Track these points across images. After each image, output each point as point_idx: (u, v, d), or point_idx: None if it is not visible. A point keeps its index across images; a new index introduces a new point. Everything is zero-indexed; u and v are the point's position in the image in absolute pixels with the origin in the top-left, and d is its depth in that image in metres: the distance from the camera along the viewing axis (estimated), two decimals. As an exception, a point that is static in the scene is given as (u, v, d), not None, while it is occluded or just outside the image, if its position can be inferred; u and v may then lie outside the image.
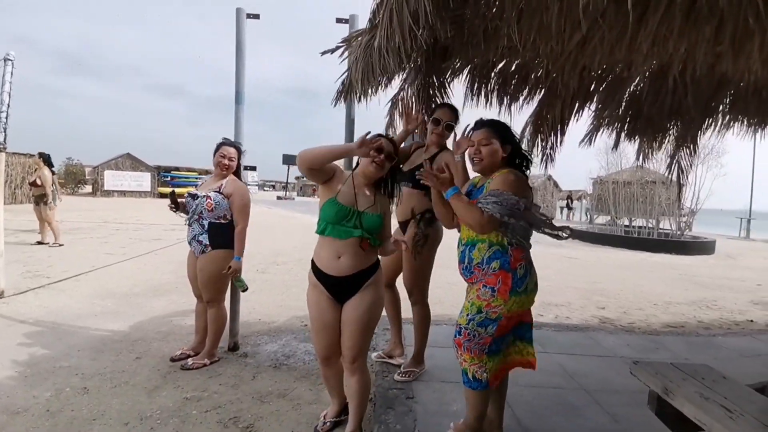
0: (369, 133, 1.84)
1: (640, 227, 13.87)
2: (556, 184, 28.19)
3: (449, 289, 4.98)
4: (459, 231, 2.07)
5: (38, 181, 7.70)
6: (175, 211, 2.99)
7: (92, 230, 10.25)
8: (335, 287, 1.97)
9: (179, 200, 2.98)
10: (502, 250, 1.83)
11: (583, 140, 4.08)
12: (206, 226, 2.87)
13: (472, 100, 3.58)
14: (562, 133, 3.76)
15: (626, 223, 14.26)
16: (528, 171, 2.02)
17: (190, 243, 2.94)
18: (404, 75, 3.09)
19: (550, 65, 2.85)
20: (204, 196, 2.86)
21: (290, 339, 3.55)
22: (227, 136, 3.15)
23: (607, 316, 4.70)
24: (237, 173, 3.06)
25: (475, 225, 1.80)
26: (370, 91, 2.65)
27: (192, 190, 3.03)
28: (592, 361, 3.23)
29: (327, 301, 1.99)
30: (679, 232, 12.67)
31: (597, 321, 4.52)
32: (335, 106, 3.03)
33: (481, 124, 2.02)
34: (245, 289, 3.06)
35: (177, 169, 28.90)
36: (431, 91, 3.10)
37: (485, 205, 1.79)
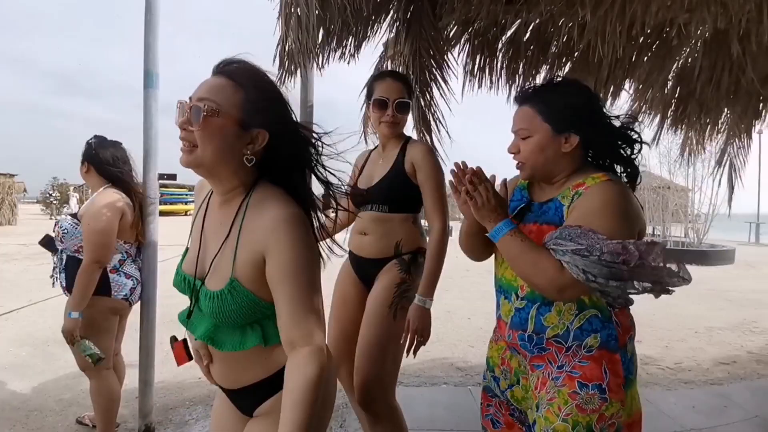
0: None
1: (655, 236, 12.98)
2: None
3: (448, 320, 3.99)
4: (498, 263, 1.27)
5: None
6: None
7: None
8: (229, 394, 1.06)
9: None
10: (602, 316, 1.09)
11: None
12: (64, 260, 1.98)
13: (471, 80, 2.72)
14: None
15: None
16: (638, 174, 1.19)
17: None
18: (380, 38, 2.23)
19: (587, 18, 1.97)
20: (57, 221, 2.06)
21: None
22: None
23: (649, 355, 3.77)
24: (124, 184, 2.07)
25: (545, 288, 1.05)
26: (315, 58, 1.78)
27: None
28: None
29: (228, 409, 1.08)
30: (697, 240, 11.79)
31: (640, 362, 3.58)
32: (283, 83, 2.16)
33: (521, 98, 1.20)
34: (97, 360, 1.87)
35: (165, 185, 27.72)
36: (425, 63, 2.20)
37: (563, 254, 1.00)
